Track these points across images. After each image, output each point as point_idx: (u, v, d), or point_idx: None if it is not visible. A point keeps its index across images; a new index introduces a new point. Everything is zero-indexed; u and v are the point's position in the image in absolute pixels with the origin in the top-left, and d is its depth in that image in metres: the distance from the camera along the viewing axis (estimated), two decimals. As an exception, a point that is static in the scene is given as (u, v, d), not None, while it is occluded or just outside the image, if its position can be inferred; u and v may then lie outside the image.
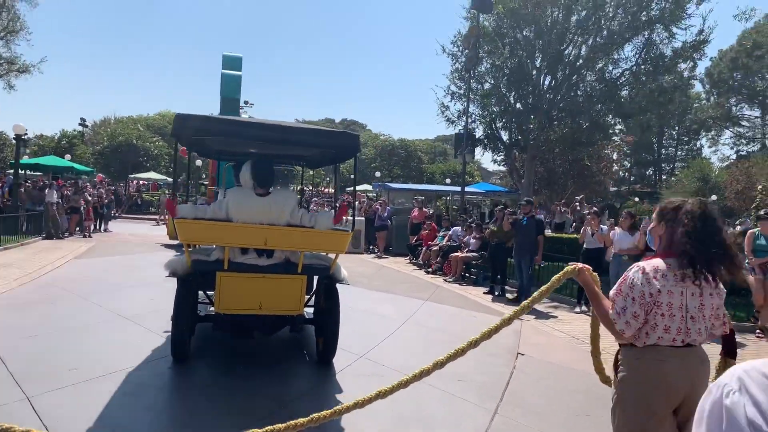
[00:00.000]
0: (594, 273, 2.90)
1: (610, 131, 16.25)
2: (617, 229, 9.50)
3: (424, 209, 17.78)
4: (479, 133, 18.44)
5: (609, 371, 3.07)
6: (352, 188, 38.94)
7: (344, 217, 6.87)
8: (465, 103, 18.11)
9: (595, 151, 20.64)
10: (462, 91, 18.21)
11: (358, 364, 6.26)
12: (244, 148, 6.96)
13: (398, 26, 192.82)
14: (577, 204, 18.17)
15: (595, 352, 3.31)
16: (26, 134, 51.66)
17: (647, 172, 66.02)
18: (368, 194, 35.21)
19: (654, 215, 2.82)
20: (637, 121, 14.92)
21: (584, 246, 10.12)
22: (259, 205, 5.48)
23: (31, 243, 15.93)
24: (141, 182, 44.68)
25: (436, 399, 5.34)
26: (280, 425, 2.59)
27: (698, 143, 62.04)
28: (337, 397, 5.11)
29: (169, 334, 5.79)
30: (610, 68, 15.74)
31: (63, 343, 6.27)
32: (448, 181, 40.87)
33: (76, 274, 11.02)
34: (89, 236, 19.51)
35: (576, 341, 7.89)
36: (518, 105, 17.27)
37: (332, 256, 5.73)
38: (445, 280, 12.81)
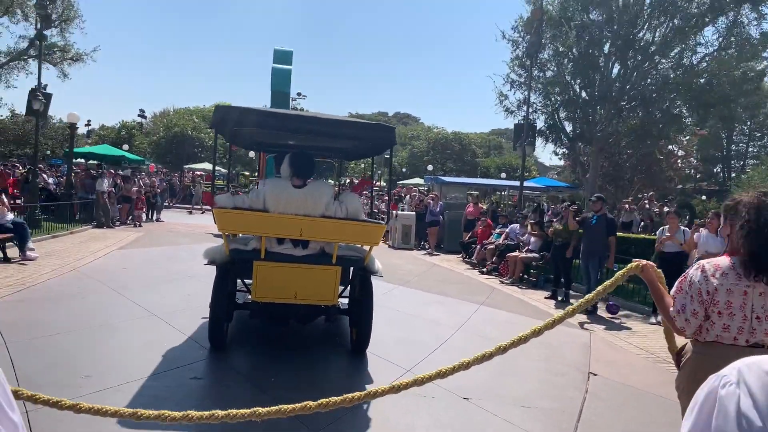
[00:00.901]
0: (658, 270, 2.83)
1: (686, 122, 14.76)
2: (703, 231, 8.35)
3: (480, 204, 16.79)
4: (540, 124, 17.28)
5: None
6: (402, 181, 38.14)
7: (395, 211, 6.63)
8: (525, 92, 17.00)
9: (664, 145, 19.09)
10: (523, 80, 17.08)
11: (403, 379, 5.45)
12: (284, 140, 7.09)
13: (453, 14, 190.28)
14: (646, 202, 16.83)
15: (672, 348, 3.03)
16: (89, 124, 53.28)
17: (715, 170, 62.62)
18: (420, 188, 34.35)
19: (721, 215, 2.82)
20: (718, 112, 13.48)
21: (660, 249, 8.98)
22: (295, 197, 5.46)
23: (80, 231, 15.86)
24: (196, 173, 45.15)
25: (493, 429, 4.50)
26: (312, 402, 2.51)
27: (774, 139, 58.20)
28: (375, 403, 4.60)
29: (202, 334, 5.94)
30: (689, 54, 14.31)
31: (82, 345, 5.73)
32: (503, 175, 39.53)
33: (116, 265, 10.66)
34: (139, 225, 19.48)
35: (655, 359, 6.86)
36: (584, 94, 16.01)
37: (367, 248, 5.69)
38: (502, 282, 11.86)
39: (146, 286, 8.91)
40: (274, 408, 2.47)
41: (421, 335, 7.12)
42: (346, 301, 6.52)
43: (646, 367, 6.58)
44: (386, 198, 26.03)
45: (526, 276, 12.08)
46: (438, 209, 17.57)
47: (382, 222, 5.83)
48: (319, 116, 5.85)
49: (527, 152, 16.02)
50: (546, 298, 10.33)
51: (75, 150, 20.85)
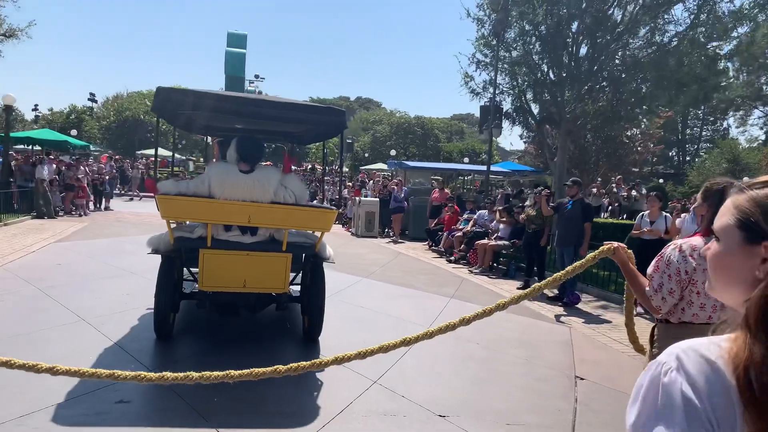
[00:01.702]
0: (629, 251, 2.82)
1: (656, 104, 14.35)
2: (687, 216, 7.86)
3: (445, 190, 16.16)
4: (507, 106, 16.70)
5: (644, 342, 3.08)
6: (365, 166, 37.30)
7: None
8: (492, 73, 16.37)
9: (629, 128, 18.75)
10: (489, 60, 16.42)
11: (370, 393, 4.75)
12: (231, 124, 6.81)
13: None
14: (614, 185, 16.51)
15: (630, 324, 3.30)
16: (36, 109, 50.61)
17: (670, 153, 63.67)
18: (383, 173, 33.61)
19: (699, 195, 2.83)
20: (690, 93, 13.11)
21: (635, 236, 8.46)
22: (242, 182, 5.26)
23: (16, 222, 14.61)
24: (150, 159, 43.33)
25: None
26: (281, 366, 2.55)
27: (725, 123, 59.32)
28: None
29: (136, 344, 5.49)
30: (659, 33, 13.87)
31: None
32: (466, 160, 39.11)
33: (49, 261, 9.63)
34: (83, 215, 18.25)
35: (642, 357, 6.32)
36: (552, 75, 15.47)
37: (318, 234, 5.60)
38: (471, 271, 11.26)
39: (80, 284, 7.96)
40: (246, 371, 2.46)
41: (389, 336, 6.40)
42: (298, 288, 6.34)
43: (634, 367, 6.02)
44: (349, 184, 25.46)
45: (495, 264, 11.51)
46: (402, 195, 16.90)
47: (333, 207, 5.74)
48: (266, 99, 5.88)
49: (494, 135, 15.45)
50: (519, 288, 9.76)
51: (12, 135, 19.35)
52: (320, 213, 5.45)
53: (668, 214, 8.44)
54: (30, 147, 23.07)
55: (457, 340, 6.43)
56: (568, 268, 2.83)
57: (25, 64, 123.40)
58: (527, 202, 11.45)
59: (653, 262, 2.72)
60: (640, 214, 8.79)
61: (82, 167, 19.55)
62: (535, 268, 9.78)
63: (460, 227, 13.21)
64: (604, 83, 14.89)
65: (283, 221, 5.30)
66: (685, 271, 2.59)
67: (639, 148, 22.05)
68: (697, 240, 2.65)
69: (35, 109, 53.64)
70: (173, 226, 5.35)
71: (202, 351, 5.61)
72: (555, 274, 2.87)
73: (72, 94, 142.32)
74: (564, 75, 15.01)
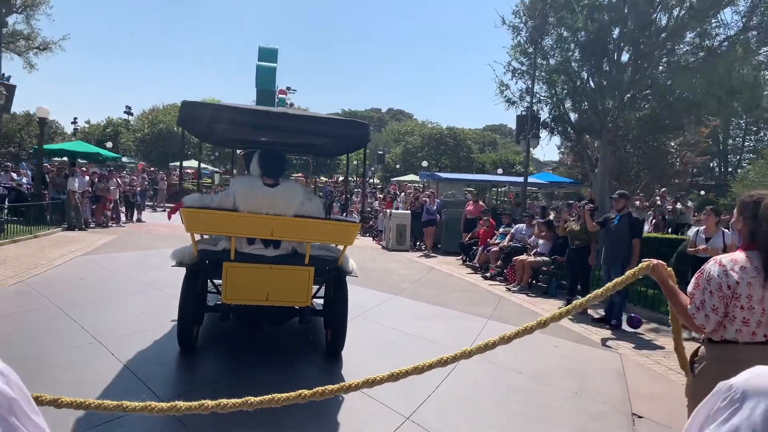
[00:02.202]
0: (669, 269, 2.73)
1: (704, 113, 13.57)
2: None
3: (480, 202, 15.58)
4: (544, 115, 16.09)
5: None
6: (396, 178, 36.94)
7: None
8: (527, 81, 15.83)
9: (675, 137, 17.87)
10: (525, 68, 15.88)
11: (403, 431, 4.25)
12: (255, 137, 6.93)
13: (446, 3, 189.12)
14: (658, 198, 15.69)
15: (679, 348, 3.01)
16: (75, 122, 51.73)
17: (711, 164, 61.63)
18: (414, 185, 33.14)
19: (735, 209, 2.75)
20: (742, 100, 12.33)
21: (691, 253, 7.78)
22: (266, 195, 5.31)
23: (47, 234, 14.57)
24: (185, 170, 43.77)
25: None
26: (306, 391, 2.34)
27: (770, 133, 57.04)
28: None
29: (149, 369, 5.17)
30: (708, 38, 13.12)
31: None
32: (500, 171, 38.41)
33: (74, 275, 9.40)
34: (108, 227, 18.21)
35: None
36: (591, 82, 14.81)
37: (341, 247, 5.58)
38: (508, 289, 10.67)
39: (100, 301, 7.66)
40: (267, 397, 2.32)
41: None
42: (321, 301, 6.36)
43: (698, 403, 5.39)
44: (380, 196, 25.09)
45: (535, 282, 10.89)
46: (435, 207, 16.38)
47: (356, 220, 5.83)
48: (288, 112, 5.81)
49: (531, 145, 14.84)
50: (560, 308, 9.13)
51: (46, 147, 19.50)
52: (343, 226, 5.46)
53: (726, 230, 7.75)
54: (64, 159, 23.40)
55: (497, 368, 5.89)
56: (608, 284, 2.71)
57: (65, 78, 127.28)
58: (552, 215, 10.84)
59: (693, 279, 2.62)
60: (695, 230, 8.12)
61: (114, 179, 19.56)
62: (579, 287, 9.14)
63: (496, 242, 12.63)
64: (648, 91, 14.18)
65: (306, 234, 5.32)
66: (728, 285, 2.48)
67: (684, 159, 21.04)
68: (739, 254, 2.55)
69: (74, 122, 55.01)
70: (197, 239, 5.45)
71: (223, 367, 5.57)
72: (595, 291, 2.73)
73: (110, 107, 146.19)
74: (605, 83, 14.36)
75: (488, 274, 11.82)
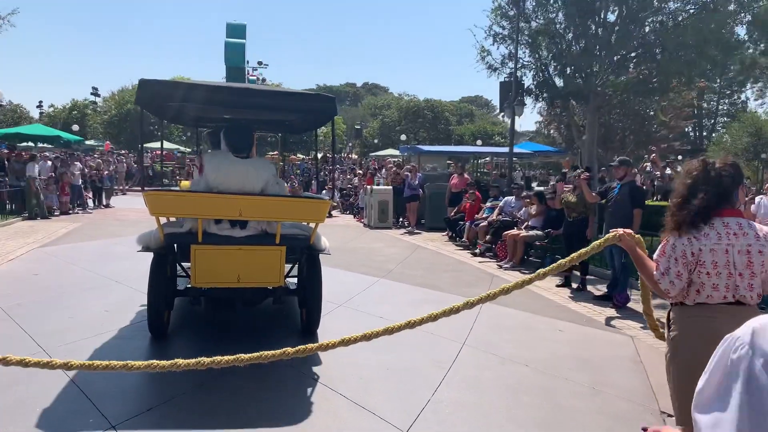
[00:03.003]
0: (638, 236, 2.86)
1: (695, 72, 12.96)
2: (763, 199, 6.60)
3: (465, 175, 14.90)
4: (528, 81, 15.36)
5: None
6: (375, 153, 36.14)
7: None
8: (510, 46, 15.06)
9: (663, 99, 17.24)
10: (507, 32, 15.10)
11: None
12: (218, 115, 6.75)
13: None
14: (648, 164, 15.15)
15: (648, 311, 3.31)
16: (41, 106, 49.81)
17: (686, 129, 61.56)
18: (393, 159, 32.38)
19: None
20: (739, 58, 11.75)
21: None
22: (237, 167, 5.25)
23: (5, 225, 13.57)
24: (155, 152, 42.38)
25: None
26: (290, 348, 2.60)
27: (743, 96, 56.90)
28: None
29: (104, 387, 4.39)
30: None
31: None
32: (479, 142, 37.85)
33: (27, 270, 8.56)
34: (74, 213, 17.23)
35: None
36: (577, 45, 14.10)
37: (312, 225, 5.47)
38: (500, 266, 10.06)
39: (53, 300, 6.86)
40: (255, 354, 2.53)
41: (416, 359, 5.25)
42: (295, 280, 6.26)
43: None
44: (359, 172, 24.32)
45: (527, 258, 10.31)
46: (417, 182, 15.66)
47: (326, 197, 5.72)
48: (252, 87, 5.91)
49: (516, 113, 14.14)
50: (558, 286, 8.56)
51: (0, 132, 18.31)
52: (313, 204, 5.32)
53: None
54: (29, 143, 22.13)
55: (501, 360, 5.27)
56: (573, 255, 2.85)
57: (29, 60, 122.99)
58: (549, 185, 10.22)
59: (659, 247, 2.70)
60: (758, 198, 7.48)
61: (76, 163, 18.49)
62: (578, 264, 8.54)
63: (484, 216, 12.00)
64: (635, 53, 13.52)
65: (275, 213, 5.17)
66: (692, 253, 2.57)
67: (670, 124, 20.50)
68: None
69: (39, 106, 53.00)
70: (163, 221, 5.28)
71: (197, 351, 5.11)
72: (559, 261, 2.92)
73: (77, 90, 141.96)
74: (592, 44, 13.66)
75: (477, 251, 11.21)
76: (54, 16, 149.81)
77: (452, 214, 13.59)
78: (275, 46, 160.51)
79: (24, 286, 7.58)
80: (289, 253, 5.49)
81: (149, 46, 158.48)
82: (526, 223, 10.44)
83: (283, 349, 2.56)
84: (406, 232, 14.91)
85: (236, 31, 23.42)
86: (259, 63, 41.16)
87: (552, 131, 44.09)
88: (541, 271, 2.86)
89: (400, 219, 16.69)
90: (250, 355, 2.52)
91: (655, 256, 2.72)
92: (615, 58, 12.76)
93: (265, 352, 2.55)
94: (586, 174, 8.44)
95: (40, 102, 53.30)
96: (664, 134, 21.08)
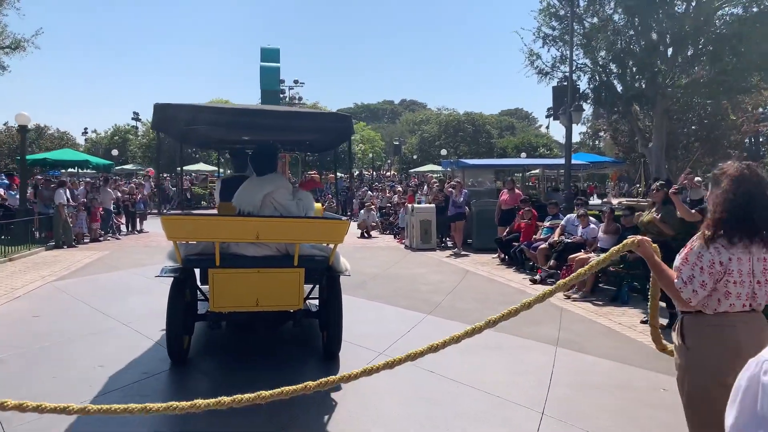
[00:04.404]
0: (654, 245, 2.81)
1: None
2: None
3: (517, 190, 13.51)
4: (582, 85, 13.93)
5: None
6: (414, 169, 35.07)
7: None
8: (562, 48, 13.72)
9: (740, 101, 15.50)
10: (557, 33, 13.75)
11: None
12: (236, 136, 6.85)
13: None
14: (686, 181, 13.40)
15: (654, 323, 3.23)
16: (86, 132, 50.50)
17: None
18: (434, 175, 31.09)
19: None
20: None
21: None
22: (254, 181, 5.40)
23: (28, 255, 12.83)
24: (195, 174, 42.12)
25: None
26: (311, 382, 2.55)
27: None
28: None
29: None
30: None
31: None
32: (523, 155, 36.18)
33: (28, 310, 7.61)
34: (104, 240, 16.49)
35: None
36: (638, 43, 12.61)
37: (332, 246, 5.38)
38: (567, 297, 8.62)
39: (43, 352, 5.81)
40: (276, 390, 2.50)
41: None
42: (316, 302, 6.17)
43: None
44: (399, 189, 23.18)
45: (599, 284, 8.85)
46: (462, 199, 14.29)
47: (345, 218, 5.66)
48: (266, 108, 5.88)
49: (573, 120, 12.70)
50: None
51: (29, 157, 17.85)
52: (331, 225, 5.28)
53: None
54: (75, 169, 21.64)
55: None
56: (592, 262, 2.99)
57: (75, 90, 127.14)
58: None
59: (682, 254, 2.61)
60: None
61: (107, 188, 17.83)
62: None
63: (542, 237, 10.58)
64: (708, 47, 11.95)
65: (293, 235, 5.15)
66: (720, 262, 2.46)
67: (742, 129, 18.57)
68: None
69: (84, 133, 53.90)
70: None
71: (217, 377, 5.33)
72: (591, 263, 2.99)
73: (120, 115, 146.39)
74: (656, 40, 12.16)
75: (537, 277, 9.78)
76: (95, 43, 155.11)
77: (504, 234, 12.20)
78: (312, 65, 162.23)
79: (17, 331, 6.58)
80: (308, 275, 5.45)
81: (188, 69, 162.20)
82: (595, 245, 8.99)
83: (305, 384, 2.53)
84: (452, 255, 13.57)
85: (270, 55, 23.77)
86: (296, 82, 40.72)
87: (600, 142, 41.96)
88: (560, 282, 2.87)
89: (444, 239, 15.37)
90: (271, 392, 2.49)
91: (676, 263, 2.63)
92: (689, 54, 11.22)
93: (287, 388, 2.51)
94: (675, 187, 7.00)
95: (85, 129, 54.35)
96: (734, 140, 19.08)
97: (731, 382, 2.16)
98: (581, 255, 8.78)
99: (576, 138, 47.38)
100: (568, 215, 10.51)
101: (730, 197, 2.50)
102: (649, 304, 3.24)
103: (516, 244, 11.31)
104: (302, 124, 5.74)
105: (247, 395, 2.42)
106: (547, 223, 10.87)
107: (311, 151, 8.77)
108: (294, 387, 2.51)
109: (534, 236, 10.84)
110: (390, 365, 2.78)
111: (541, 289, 9.44)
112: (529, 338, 6.45)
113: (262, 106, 6.88)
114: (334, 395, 4.73)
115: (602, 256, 2.87)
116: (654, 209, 7.44)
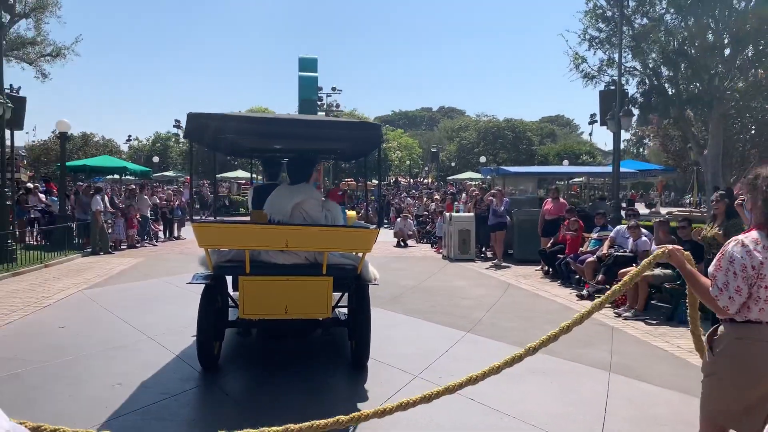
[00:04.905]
0: (687, 253, 2.78)
1: None
2: None
3: (562, 199, 12.88)
4: (631, 89, 13.25)
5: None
6: (452, 176, 34.51)
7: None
8: (609, 51, 13.11)
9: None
10: (604, 35, 13.13)
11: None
12: (266, 145, 6.94)
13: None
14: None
15: (696, 332, 3.11)
16: (129, 139, 51.62)
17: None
18: (473, 182, 30.49)
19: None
20: None
21: None
22: (284, 190, 5.49)
23: (63, 262, 12.85)
24: (239, 181, 42.29)
25: None
26: (343, 417, 2.52)
27: None
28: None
29: None
30: None
31: None
32: (565, 162, 35.22)
33: (56, 321, 7.43)
34: (142, 246, 16.49)
35: None
36: (691, 45, 11.89)
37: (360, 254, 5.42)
38: (618, 315, 8.02)
39: (62, 367, 5.56)
40: (306, 424, 2.42)
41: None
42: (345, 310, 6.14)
43: None
44: (437, 197, 22.72)
45: (652, 302, 8.21)
46: (503, 208, 13.73)
47: (373, 227, 5.58)
48: (297, 118, 5.98)
49: (622, 126, 12.02)
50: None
51: (69, 164, 18.05)
52: (360, 233, 5.31)
53: None
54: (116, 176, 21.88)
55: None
56: (626, 278, 2.90)
57: (119, 98, 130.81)
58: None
59: (715, 261, 2.57)
60: None
61: (143, 194, 17.88)
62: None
63: (590, 249, 9.96)
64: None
65: (322, 243, 5.18)
66: (752, 266, 2.43)
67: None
68: (757, 233, 2.50)
69: (128, 140, 55.13)
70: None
71: (248, 387, 5.36)
72: (624, 278, 2.90)
73: (162, 123, 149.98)
74: (712, 41, 11.43)
75: (585, 292, 9.17)
76: (138, 51, 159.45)
77: (548, 245, 11.60)
78: (350, 73, 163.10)
79: (40, 343, 6.37)
80: (336, 283, 5.47)
81: (229, 78, 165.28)
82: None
83: (337, 417, 2.49)
84: (492, 266, 13.01)
85: (308, 64, 24.03)
86: (333, 89, 40.64)
87: (644, 149, 40.49)
88: (596, 301, 2.87)
89: (484, 249, 14.82)
90: (300, 425, 2.41)
91: (710, 270, 2.57)
92: (749, 54, 10.48)
93: (317, 422, 2.44)
94: (742, 198, 6.35)
95: (129, 136, 55.55)
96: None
97: (748, 396, 2.42)
98: (633, 270, 8.15)
99: (620, 145, 45.97)
100: (618, 227, 9.86)
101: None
102: (688, 312, 3.16)
103: (561, 256, 10.71)
104: (333, 132, 5.78)
105: (274, 428, 2.36)
106: (594, 235, 10.24)
107: (342, 160, 8.85)
108: (326, 421, 2.45)
109: (580, 248, 10.22)
110: (427, 399, 2.72)
111: (587, 304, 8.84)
112: (578, 362, 5.91)
113: (292, 115, 6.84)
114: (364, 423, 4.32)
115: (635, 269, 2.86)
116: (717, 223, 6.83)
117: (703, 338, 2.89)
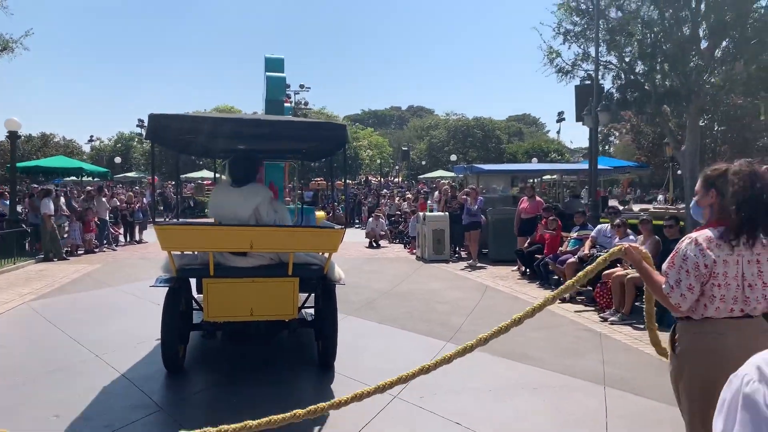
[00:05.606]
0: (644, 250, 2.85)
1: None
2: None
3: (538, 198, 12.52)
4: (607, 84, 12.98)
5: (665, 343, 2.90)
6: (423, 175, 34.19)
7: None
8: (584, 45, 12.81)
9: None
10: (580, 28, 12.83)
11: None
12: (231, 146, 6.69)
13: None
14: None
15: (651, 326, 3.25)
16: (92, 140, 49.88)
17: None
18: (443, 180, 30.13)
19: (699, 185, 2.66)
20: None
21: None
22: (232, 195, 5.36)
23: (10, 270, 11.96)
24: (204, 182, 41.16)
25: None
26: (300, 410, 2.53)
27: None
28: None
29: None
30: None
31: None
32: (534, 160, 35.19)
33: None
34: (99, 251, 15.62)
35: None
36: (667, 37, 11.64)
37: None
38: (603, 319, 7.64)
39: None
40: (264, 420, 2.45)
41: None
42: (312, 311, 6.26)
43: None
44: (409, 196, 22.25)
45: (636, 303, 7.86)
46: (477, 207, 13.31)
47: (339, 227, 5.61)
48: (260, 118, 5.90)
49: (601, 121, 11.72)
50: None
51: (19, 165, 17.04)
52: (325, 234, 5.31)
53: None
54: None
55: None
56: (580, 273, 3.00)
57: (79, 98, 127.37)
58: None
59: (669, 258, 2.57)
60: None
61: (101, 197, 16.96)
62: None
63: (569, 249, 9.59)
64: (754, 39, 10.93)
65: (287, 244, 5.16)
66: (705, 265, 2.43)
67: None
68: (712, 231, 2.49)
69: (90, 140, 53.43)
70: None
71: (212, 386, 5.36)
72: (579, 274, 2.99)
73: (125, 123, 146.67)
74: (694, 30, 11.20)
75: (566, 296, 8.77)
76: (103, 50, 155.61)
77: (525, 245, 11.21)
78: (319, 71, 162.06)
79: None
80: (302, 284, 5.44)
81: (193, 77, 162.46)
82: (632, 259, 8.00)
83: (294, 411, 2.51)
84: (467, 267, 12.59)
85: (275, 64, 23.30)
86: (301, 86, 39.94)
87: (609, 147, 40.83)
88: (551, 294, 3.08)
89: (458, 249, 14.41)
90: (258, 421, 2.42)
91: (664, 267, 2.57)
92: (729, 46, 10.24)
93: (275, 417, 2.47)
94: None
95: (91, 136, 53.85)
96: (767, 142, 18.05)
97: (719, 388, 1.93)
98: (618, 271, 7.78)
99: (584, 143, 46.32)
100: (599, 226, 9.50)
101: (755, 194, 2.41)
102: (644, 308, 3.16)
103: (539, 256, 10.33)
104: (298, 133, 5.78)
105: (233, 426, 2.36)
106: (574, 234, 9.86)
107: (308, 160, 8.85)
108: (283, 416, 2.49)
109: (559, 248, 9.85)
110: (381, 389, 2.80)
111: (569, 307, 8.49)
112: (569, 374, 5.47)
113: (258, 115, 7.05)
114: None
115: (589, 266, 2.87)
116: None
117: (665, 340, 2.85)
